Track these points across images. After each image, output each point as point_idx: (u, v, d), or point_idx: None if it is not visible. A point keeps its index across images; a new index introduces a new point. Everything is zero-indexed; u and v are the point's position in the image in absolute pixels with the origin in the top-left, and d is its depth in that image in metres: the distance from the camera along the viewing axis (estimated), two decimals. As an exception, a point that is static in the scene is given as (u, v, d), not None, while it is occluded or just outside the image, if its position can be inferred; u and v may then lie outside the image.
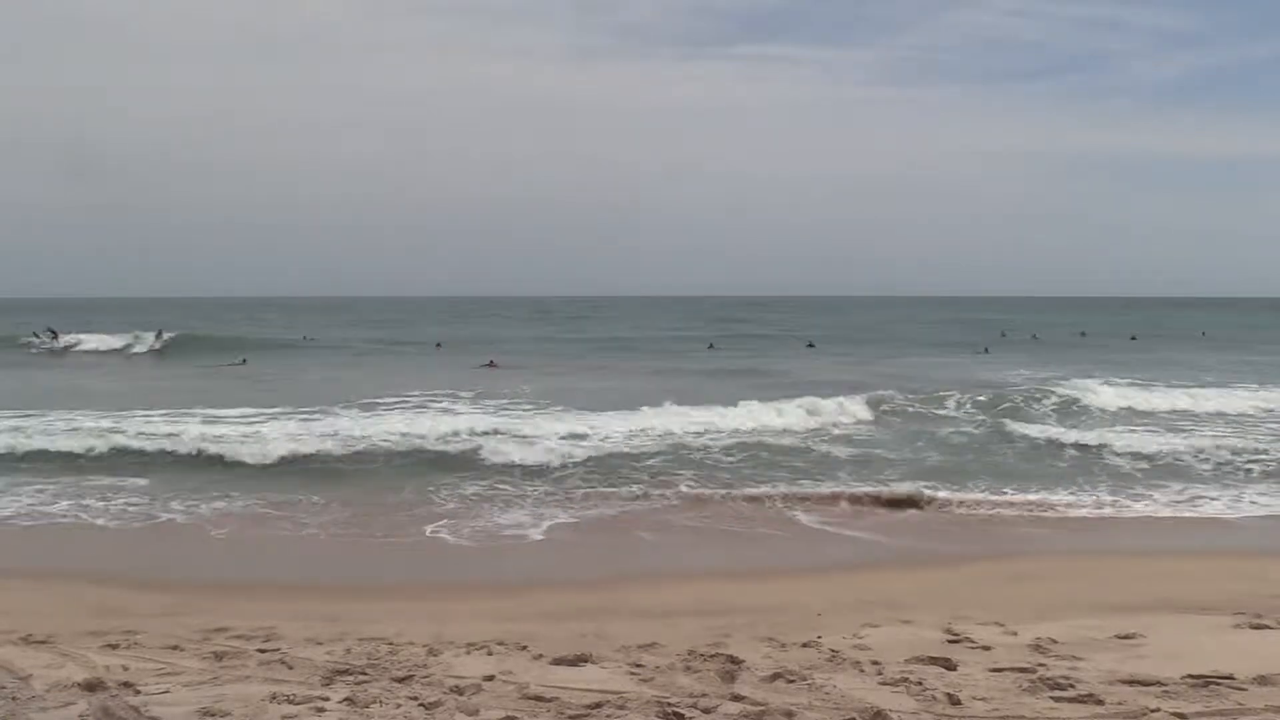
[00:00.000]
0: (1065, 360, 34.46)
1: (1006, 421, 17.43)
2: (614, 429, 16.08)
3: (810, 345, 44.57)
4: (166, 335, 39.46)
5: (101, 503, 11.56)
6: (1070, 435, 16.12)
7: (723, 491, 12.43)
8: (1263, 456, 14.46)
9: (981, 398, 19.76)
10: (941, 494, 12.10)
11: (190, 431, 15.25)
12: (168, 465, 13.82)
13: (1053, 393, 20.56)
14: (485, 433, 15.64)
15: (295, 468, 13.70)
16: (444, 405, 19.95)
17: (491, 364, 33.34)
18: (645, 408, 17.41)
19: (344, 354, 37.40)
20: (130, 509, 11.35)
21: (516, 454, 14.07)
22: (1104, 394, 20.55)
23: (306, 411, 18.10)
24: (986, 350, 42.84)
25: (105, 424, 15.91)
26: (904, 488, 12.27)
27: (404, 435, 15.48)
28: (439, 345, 41.03)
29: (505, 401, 20.75)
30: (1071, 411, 19.33)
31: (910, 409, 18.88)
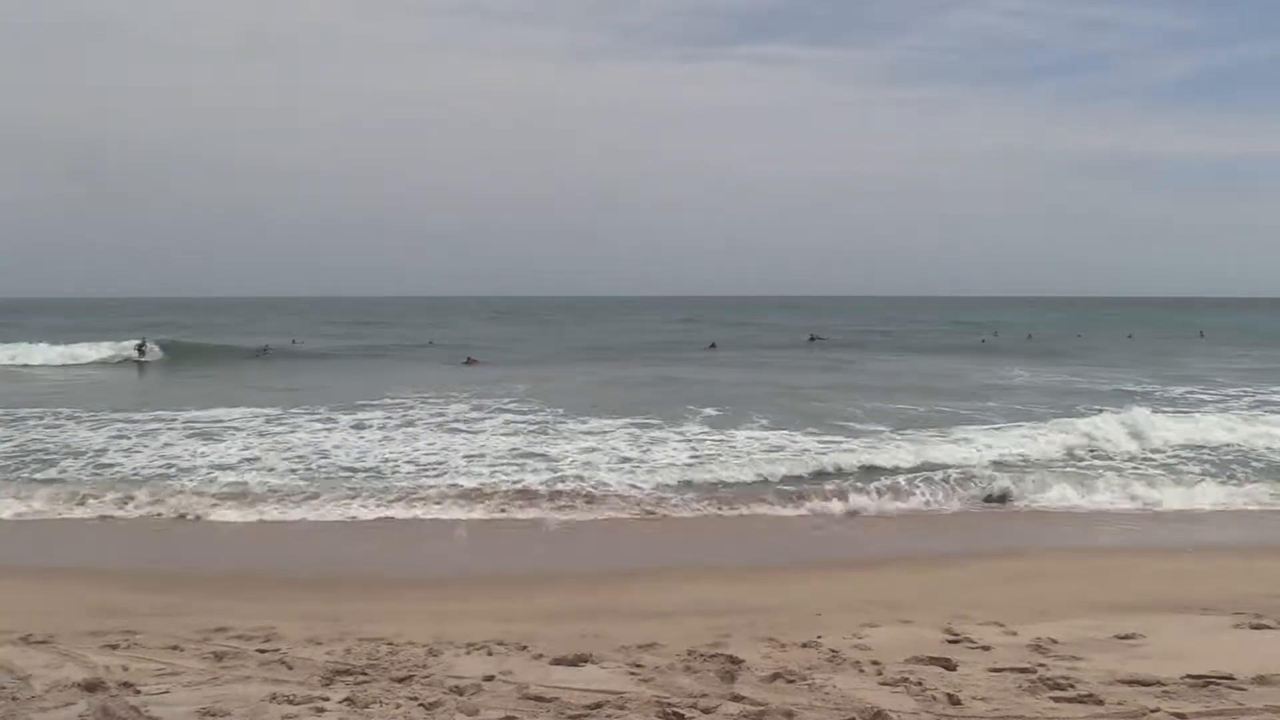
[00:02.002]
0: (1062, 360, 34.55)
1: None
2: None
3: (812, 339, 44.74)
4: (153, 344, 34.40)
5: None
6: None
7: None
8: None
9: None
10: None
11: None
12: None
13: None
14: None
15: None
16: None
17: (471, 361, 33.78)
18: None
19: (335, 355, 36.74)
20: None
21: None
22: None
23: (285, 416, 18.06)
24: (984, 342, 43.26)
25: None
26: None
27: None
28: (431, 343, 40.80)
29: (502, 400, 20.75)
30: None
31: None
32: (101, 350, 33.25)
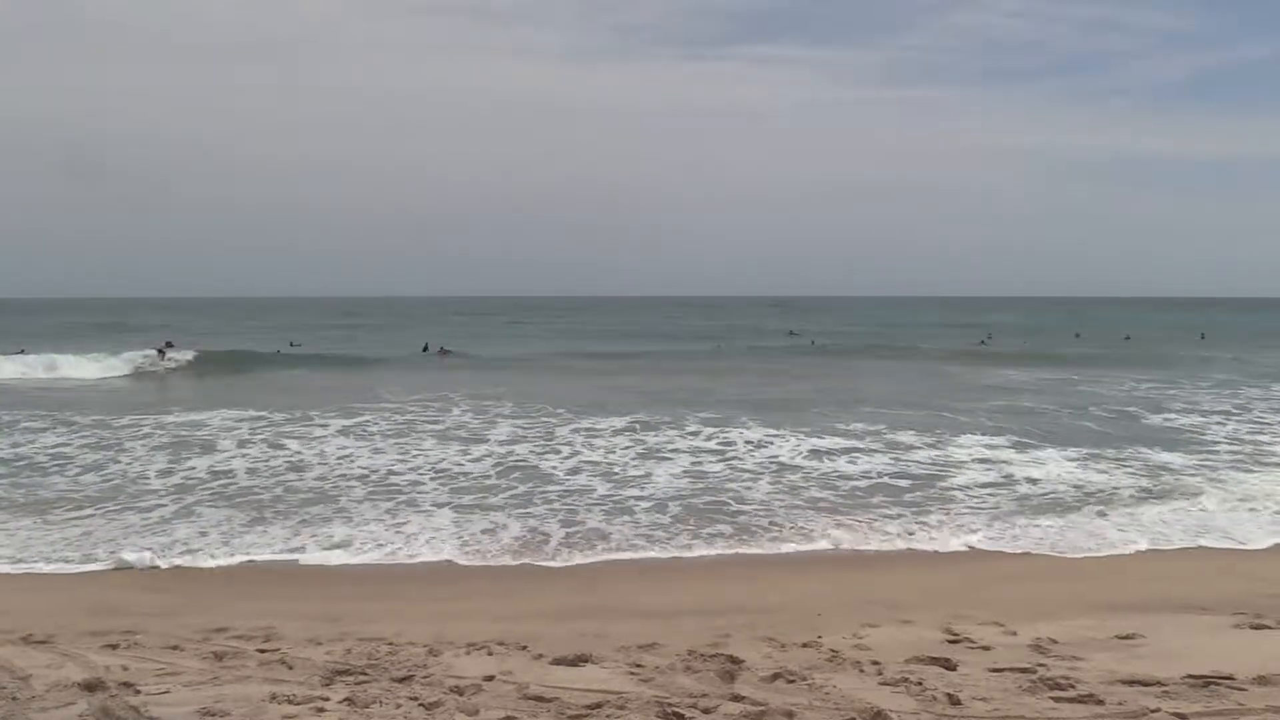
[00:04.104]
0: (1061, 363, 34.55)
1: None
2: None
3: (813, 343, 44.83)
4: (175, 354, 32.34)
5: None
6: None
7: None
8: None
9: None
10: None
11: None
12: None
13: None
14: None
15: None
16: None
17: (443, 351, 36.48)
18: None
19: (332, 357, 36.15)
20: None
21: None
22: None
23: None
24: (982, 343, 43.49)
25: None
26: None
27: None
28: (426, 347, 40.10)
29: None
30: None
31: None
32: (117, 363, 30.78)
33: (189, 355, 32.99)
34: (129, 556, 9.02)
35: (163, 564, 9.05)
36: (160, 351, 32.15)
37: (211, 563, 9.21)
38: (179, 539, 9.94)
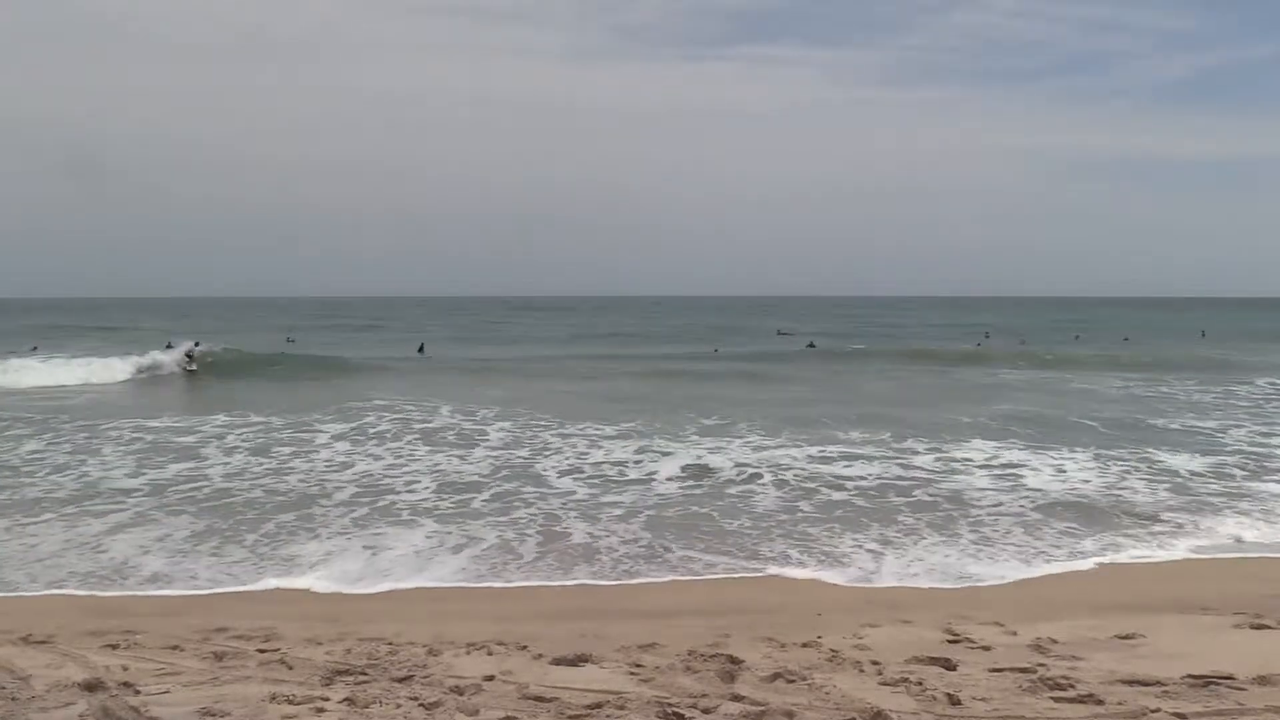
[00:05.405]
0: (1060, 362, 34.56)
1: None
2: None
3: (811, 345, 44.84)
4: (200, 350, 31.64)
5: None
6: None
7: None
8: None
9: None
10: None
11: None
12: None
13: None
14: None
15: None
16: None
17: (423, 351, 38.90)
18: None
19: (329, 357, 35.31)
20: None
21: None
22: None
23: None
24: (979, 344, 43.74)
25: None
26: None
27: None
28: (421, 349, 39.65)
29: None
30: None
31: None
32: (128, 366, 29.34)
33: (190, 347, 32.24)
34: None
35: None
36: (189, 355, 31.05)
37: (175, 592, 8.17)
38: (148, 556, 9.18)
